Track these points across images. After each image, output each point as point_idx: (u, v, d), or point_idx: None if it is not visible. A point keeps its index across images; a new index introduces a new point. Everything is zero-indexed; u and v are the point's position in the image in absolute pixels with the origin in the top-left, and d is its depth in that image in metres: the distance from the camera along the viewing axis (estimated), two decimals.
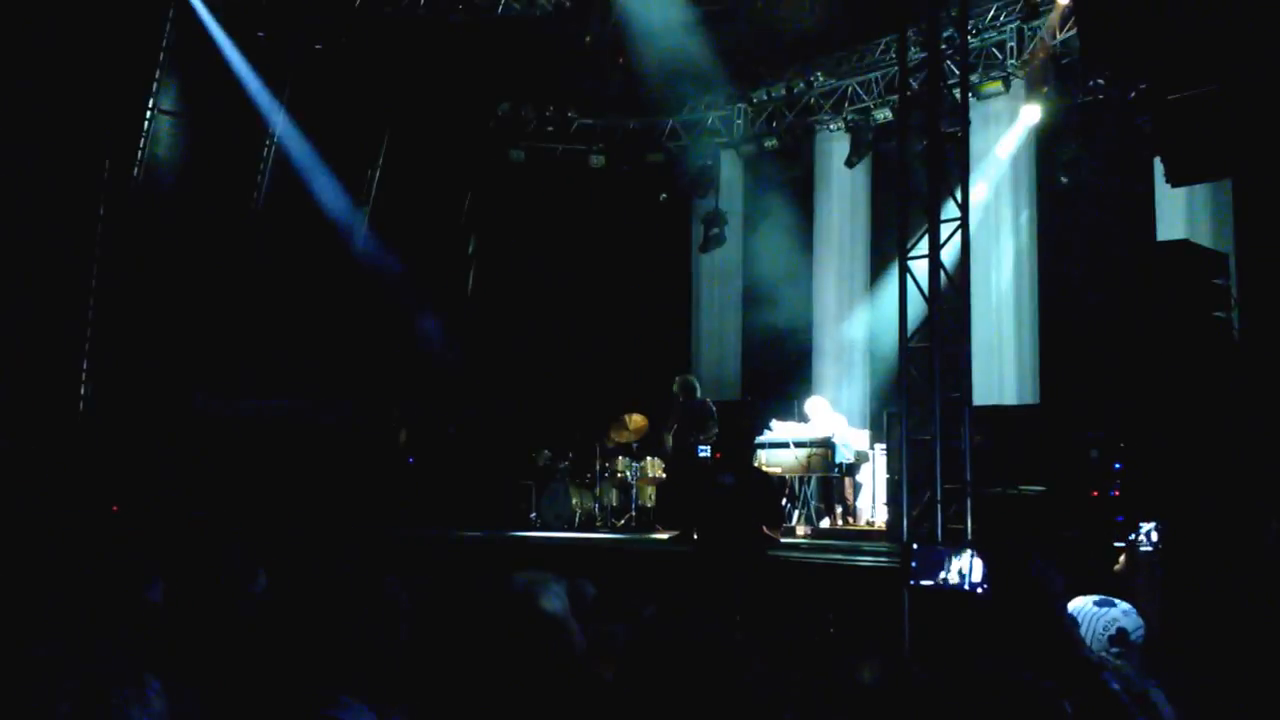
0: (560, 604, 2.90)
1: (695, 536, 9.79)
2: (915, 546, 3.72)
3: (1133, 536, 7.52)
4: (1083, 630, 3.12)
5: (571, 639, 2.46)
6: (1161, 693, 3.02)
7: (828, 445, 10.06)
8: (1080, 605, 3.19)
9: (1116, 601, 3.20)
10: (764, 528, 8.25)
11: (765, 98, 13.50)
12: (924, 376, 7.93)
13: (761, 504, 9.95)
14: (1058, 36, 10.85)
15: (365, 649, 2.15)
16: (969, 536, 7.62)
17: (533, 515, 11.72)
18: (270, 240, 12.68)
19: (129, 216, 12.03)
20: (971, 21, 10.48)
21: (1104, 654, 3.06)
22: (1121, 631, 3.11)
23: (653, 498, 11.66)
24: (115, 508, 11.03)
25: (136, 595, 2.91)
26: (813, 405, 10.73)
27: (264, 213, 12.77)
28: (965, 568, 5.80)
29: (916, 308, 8.13)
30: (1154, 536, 7.59)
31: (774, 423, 10.61)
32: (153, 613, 2.92)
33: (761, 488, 7.71)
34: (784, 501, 10.53)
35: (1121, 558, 7.56)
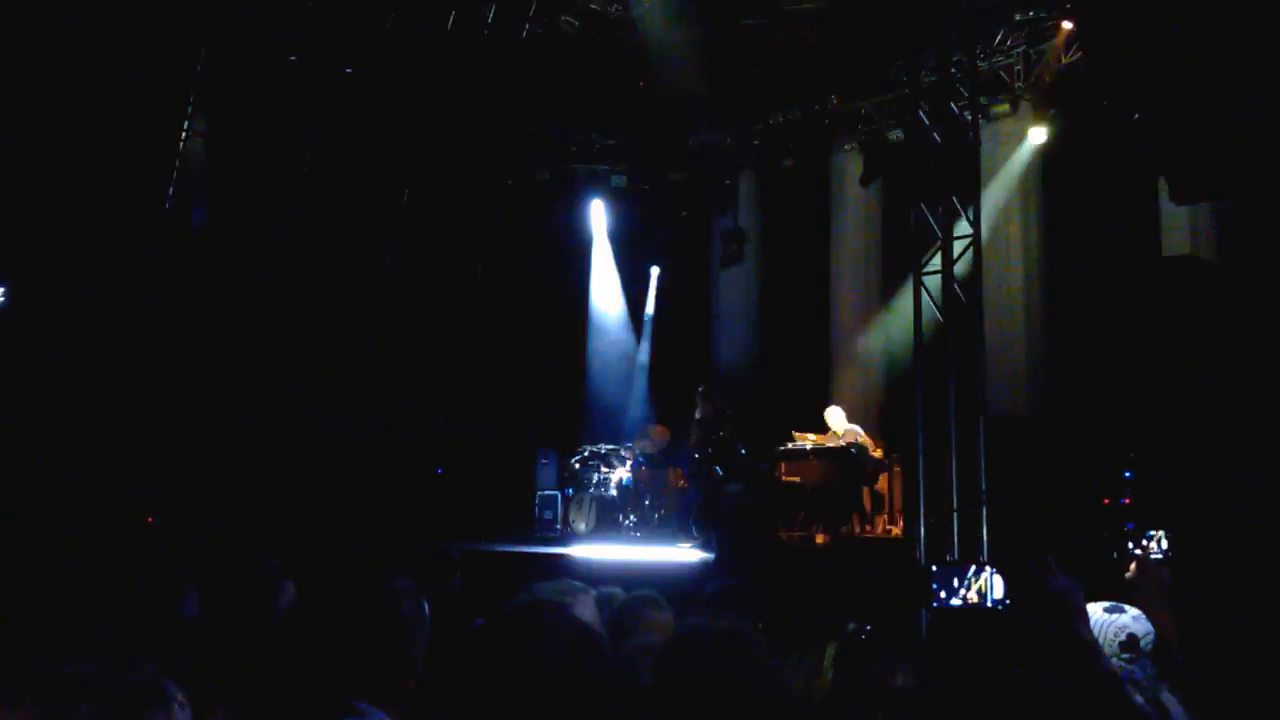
0: (590, 612, 2.96)
1: (711, 544, 10.09)
2: (934, 568, 3.77)
3: (1143, 543, 7.73)
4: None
5: (601, 647, 2.39)
6: (1174, 696, 3.13)
7: (845, 455, 10.28)
8: (1090, 613, 3.09)
9: (1126, 608, 3.25)
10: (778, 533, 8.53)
11: (782, 119, 13.82)
12: (939, 388, 8.18)
13: (769, 511, 10.20)
14: (1063, 60, 11.14)
15: (382, 657, 2.18)
16: (984, 547, 7.83)
17: (557, 525, 11.99)
18: (300, 256, 12.95)
19: (163, 235, 12.33)
20: (980, 45, 10.78)
21: (1115, 659, 3.12)
22: (1132, 637, 3.17)
23: (675, 507, 11.92)
24: (150, 519, 11.32)
25: (170, 608, 2.94)
26: (830, 415, 10.95)
27: (296, 231, 13.02)
28: (985, 586, 5.89)
29: (930, 321, 8.40)
30: (1163, 544, 7.80)
31: (793, 432, 10.84)
32: (187, 625, 2.94)
33: (768, 495, 7.99)
34: (800, 509, 10.81)
35: (1132, 565, 7.77)
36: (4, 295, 11.58)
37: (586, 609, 2.98)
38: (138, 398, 12.09)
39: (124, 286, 12.20)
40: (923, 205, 8.70)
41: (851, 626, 5.89)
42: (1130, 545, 7.44)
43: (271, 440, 12.28)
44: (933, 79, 9.51)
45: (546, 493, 12.28)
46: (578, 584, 3.19)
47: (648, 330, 14.91)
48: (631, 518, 11.86)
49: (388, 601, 2.27)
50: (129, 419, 11.98)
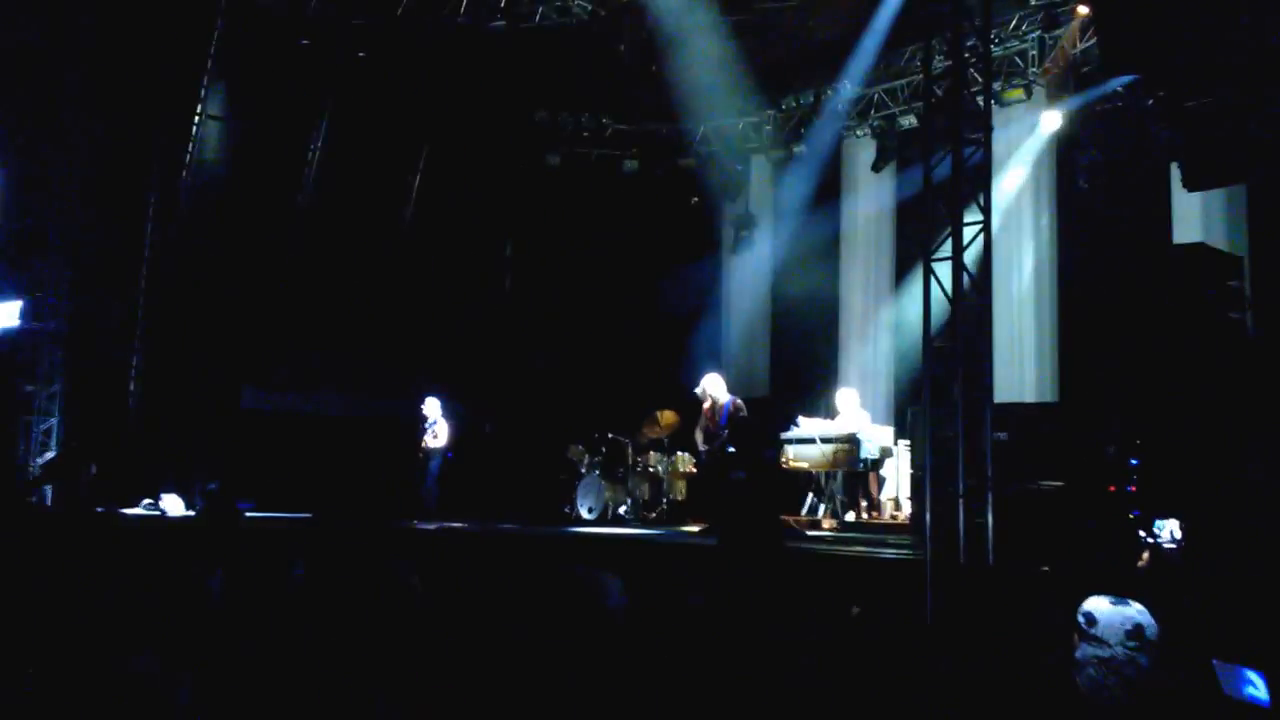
0: (616, 597, 3.01)
1: (716, 530, 10.13)
2: (1216, 661, 3.46)
3: (1156, 534, 7.75)
4: (1100, 626, 3.27)
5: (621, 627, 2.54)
6: (1178, 684, 3.29)
7: (853, 441, 10.28)
8: (1096, 604, 3.35)
9: (1131, 601, 3.34)
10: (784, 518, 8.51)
11: (794, 105, 13.80)
12: (947, 374, 8.16)
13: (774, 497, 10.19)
14: (1078, 45, 11.09)
15: (385, 633, 2.25)
16: (990, 539, 7.80)
17: (567, 509, 12.06)
18: (313, 240, 13.01)
19: (177, 218, 12.39)
20: (994, 31, 10.72)
21: (1121, 647, 3.22)
22: (1138, 627, 3.26)
23: (683, 491, 11.98)
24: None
25: (197, 586, 3.06)
26: (842, 398, 10.96)
27: (307, 214, 13.07)
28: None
29: (940, 308, 8.38)
30: (1175, 533, 7.81)
31: (800, 419, 10.86)
32: (213, 602, 3.06)
33: (773, 482, 7.98)
34: (808, 495, 10.84)
35: (1145, 554, 7.78)
36: (21, 313, 11.67)
37: (615, 591, 3.03)
38: (151, 380, 12.17)
39: (136, 268, 12.27)
40: (934, 191, 8.68)
41: (855, 611, 5.94)
42: (1142, 534, 7.43)
43: (286, 422, 12.37)
44: (946, 64, 9.46)
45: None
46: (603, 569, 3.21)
47: None
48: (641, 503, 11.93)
49: (392, 583, 2.29)
50: (144, 402, 12.07)
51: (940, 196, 8.61)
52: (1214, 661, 3.52)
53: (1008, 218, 11.55)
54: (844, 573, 8.10)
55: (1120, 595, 3.40)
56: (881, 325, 13.04)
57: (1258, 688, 3.41)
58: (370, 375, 13.06)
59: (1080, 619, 3.35)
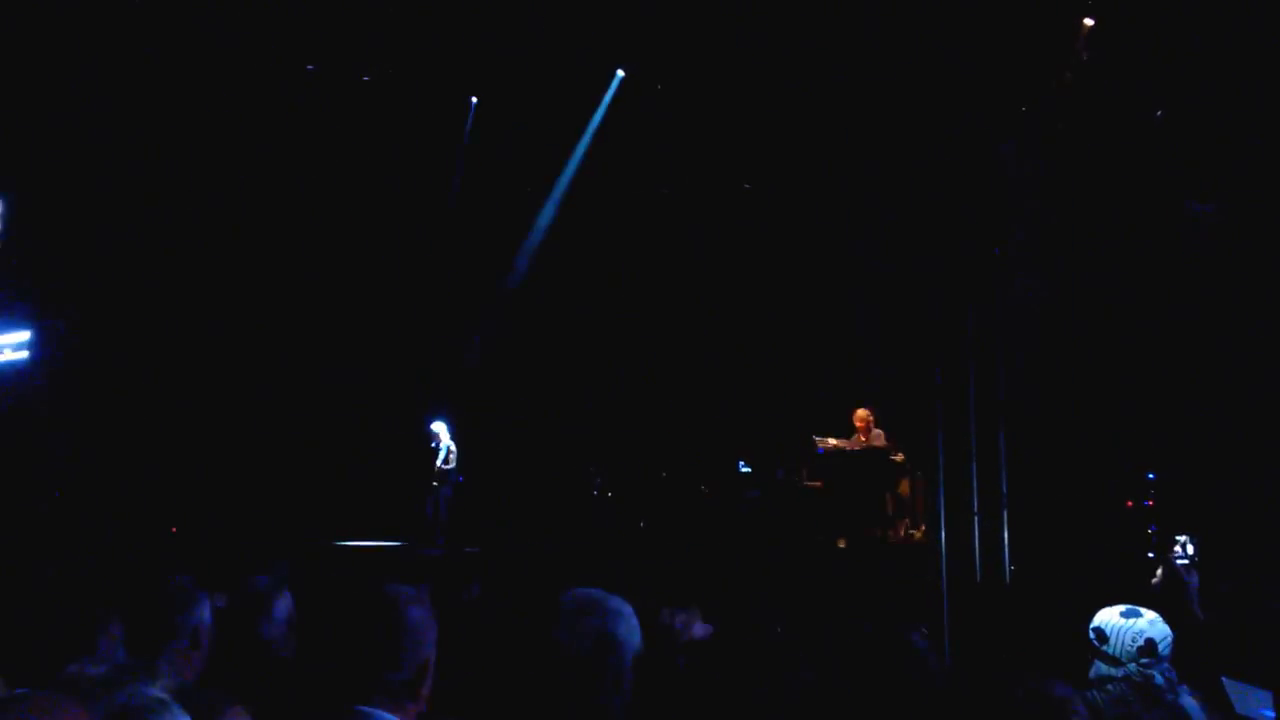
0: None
1: (733, 549, 10.10)
2: (1226, 679, 3.46)
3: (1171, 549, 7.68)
4: (1111, 643, 3.18)
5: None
6: (1193, 699, 3.15)
7: (868, 458, 10.25)
8: (1107, 618, 3.25)
9: (1143, 611, 3.24)
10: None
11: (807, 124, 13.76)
12: (959, 391, 8.13)
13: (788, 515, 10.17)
14: (1084, 60, 11.07)
15: (393, 662, 2.17)
16: (1006, 550, 7.73)
17: (578, 530, 12.00)
18: (314, 256, 12.94)
19: (180, 240, 12.37)
20: (999, 46, 10.73)
21: (1133, 664, 3.12)
22: (1150, 642, 3.16)
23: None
24: (174, 529, 11.39)
25: (186, 615, 2.92)
26: (858, 417, 10.90)
27: (310, 230, 12.98)
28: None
29: (952, 324, 8.36)
30: (1190, 549, 7.74)
31: (815, 437, 10.81)
32: (203, 633, 2.94)
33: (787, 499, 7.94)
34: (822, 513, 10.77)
35: (1159, 570, 7.72)
36: (30, 341, 11.70)
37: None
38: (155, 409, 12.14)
39: (140, 308, 12.22)
40: (945, 207, 8.69)
41: (868, 629, 5.87)
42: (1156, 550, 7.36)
43: (288, 446, 12.33)
44: (956, 82, 9.47)
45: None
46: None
47: None
48: None
49: (396, 606, 2.26)
50: (152, 432, 12.03)
51: (951, 213, 8.62)
52: (1224, 679, 3.46)
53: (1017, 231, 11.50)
54: (858, 590, 8.06)
55: (1132, 606, 3.31)
56: (896, 342, 12.98)
57: (1269, 707, 3.36)
58: (375, 395, 13.00)
59: (1091, 635, 3.27)
